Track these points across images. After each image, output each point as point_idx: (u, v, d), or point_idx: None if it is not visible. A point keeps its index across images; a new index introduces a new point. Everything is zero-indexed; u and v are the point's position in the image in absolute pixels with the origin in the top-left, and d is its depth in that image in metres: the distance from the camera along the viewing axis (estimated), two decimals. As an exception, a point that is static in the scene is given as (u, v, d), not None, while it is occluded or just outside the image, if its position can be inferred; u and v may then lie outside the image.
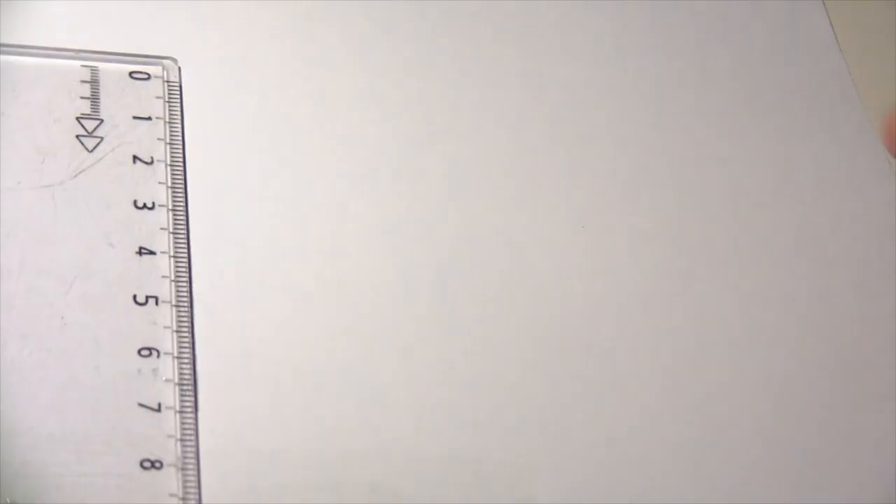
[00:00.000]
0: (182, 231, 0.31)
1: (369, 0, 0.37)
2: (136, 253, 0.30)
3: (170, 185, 0.32)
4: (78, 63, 0.33)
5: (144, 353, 0.29)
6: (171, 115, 0.33)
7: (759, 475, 0.31)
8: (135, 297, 0.30)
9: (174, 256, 0.31)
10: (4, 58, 0.32)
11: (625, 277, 0.33)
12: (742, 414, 0.32)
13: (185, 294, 0.30)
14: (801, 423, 0.32)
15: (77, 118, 0.32)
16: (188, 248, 0.31)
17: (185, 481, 0.27)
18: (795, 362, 0.33)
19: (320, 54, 0.35)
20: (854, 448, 0.32)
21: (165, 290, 0.30)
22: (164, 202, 0.31)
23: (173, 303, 0.30)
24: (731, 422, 0.32)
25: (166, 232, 0.31)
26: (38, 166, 0.31)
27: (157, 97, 0.33)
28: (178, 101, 0.33)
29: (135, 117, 0.33)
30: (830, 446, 0.32)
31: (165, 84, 0.33)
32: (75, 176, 0.31)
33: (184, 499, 0.27)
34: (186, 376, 0.29)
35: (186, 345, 0.29)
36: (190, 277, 0.30)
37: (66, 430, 0.27)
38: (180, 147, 0.33)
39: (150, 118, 0.33)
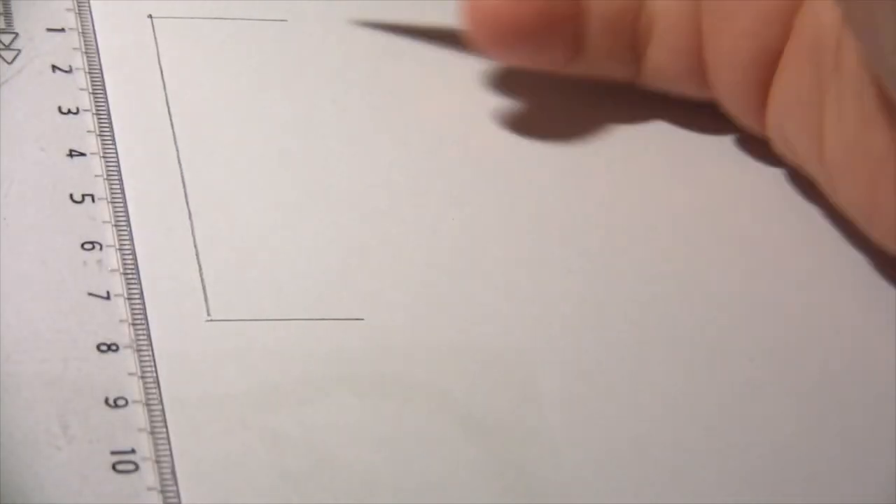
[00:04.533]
0: (108, 132, 0.32)
1: None
2: (67, 155, 0.31)
3: (91, 90, 0.33)
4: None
5: (87, 246, 0.30)
6: (83, 26, 0.34)
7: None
8: (71, 195, 0.31)
9: (104, 157, 0.32)
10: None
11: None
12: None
13: (118, 190, 0.31)
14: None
15: (-8, 35, 0.33)
16: (115, 148, 0.32)
17: (141, 362, 0.28)
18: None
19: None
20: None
21: (100, 188, 0.31)
22: (87, 107, 0.33)
23: (108, 199, 0.31)
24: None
25: (93, 134, 0.32)
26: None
27: (68, 10, 0.34)
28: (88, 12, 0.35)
29: (48, 29, 0.34)
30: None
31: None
32: (-2, 88, 0.33)
33: (142, 377, 0.28)
34: (130, 265, 0.30)
35: (126, 237, 0.30)
36: (120, 175, 0.31)
37: (22, 321, 0.28)
38: (96, 56, 0.34)
39: (63, 30, 0.34)
